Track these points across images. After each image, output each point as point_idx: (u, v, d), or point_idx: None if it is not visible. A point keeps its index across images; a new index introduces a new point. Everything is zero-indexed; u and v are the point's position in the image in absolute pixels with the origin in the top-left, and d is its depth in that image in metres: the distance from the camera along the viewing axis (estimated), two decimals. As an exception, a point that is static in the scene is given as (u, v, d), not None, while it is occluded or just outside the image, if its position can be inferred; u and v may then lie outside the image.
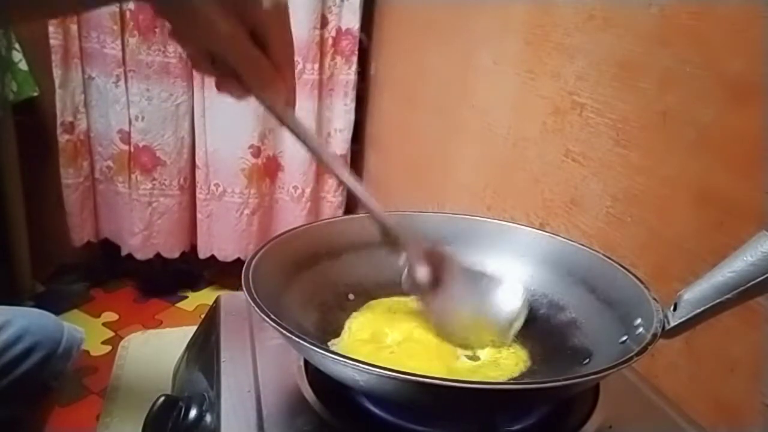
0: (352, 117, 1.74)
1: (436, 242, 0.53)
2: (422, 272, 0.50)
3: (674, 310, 0.42)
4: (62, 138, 1.58)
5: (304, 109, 1.67)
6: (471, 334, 0.51)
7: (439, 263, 0.51)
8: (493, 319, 0.52)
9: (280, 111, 0.45)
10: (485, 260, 0.59)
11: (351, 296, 0.56)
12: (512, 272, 0.58)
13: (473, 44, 1.15)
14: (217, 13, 0.39)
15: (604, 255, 0.53)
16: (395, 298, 0.56)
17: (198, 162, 1.67)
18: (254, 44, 0.41)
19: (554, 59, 0.88)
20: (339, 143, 1.76)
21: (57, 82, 1.52)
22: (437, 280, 0.50)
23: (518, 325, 0.53)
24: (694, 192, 0.63)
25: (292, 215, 1.77)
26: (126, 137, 1.62)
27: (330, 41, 1.66)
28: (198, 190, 1.70)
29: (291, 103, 0.45)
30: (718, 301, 0.40)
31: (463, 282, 0.52)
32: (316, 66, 1.65)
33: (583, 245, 0.56)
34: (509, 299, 0.53)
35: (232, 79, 0.43)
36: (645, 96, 0.70)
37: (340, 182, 0.51)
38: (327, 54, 1.67)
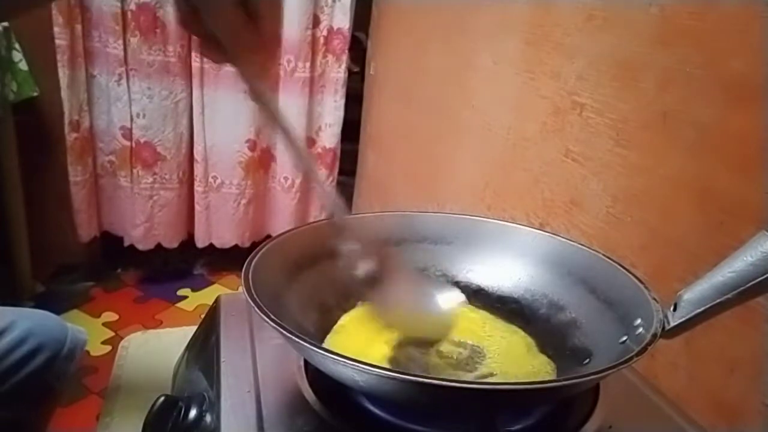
0: (341, 113, 1.80)
1: (385, 242, 0.52)
2: (368, 268, 0.49)
3: (674, 310, 0.42)
4: (70, 136, 1.59)
5: (296, 105, 1.73)
6: (406, 331, 0.50)
7: (384, 263, 0.50)
8: (427, 319, 0.51)
9: (256, 84, 0.44)
10: (485, 260, 0.59)
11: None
12: (512, 272, 0.58)
13: (473, 44, 1.14)
14: None
15: (604, 255, 0.53)
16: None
17: (197, 156, 1.72)
18: (243, 11, 0.40)
19: (554, 59, 0.88)
20: (329, 137, 1.83)
21: (65, 82, 1.53)
22: (380, 278, 0.49)
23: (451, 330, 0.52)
24: (695, 192, 0.63)
25: (282, 204, 1.85)
26: (128, 133, 1.65)
27: (321, 40, 1.71)
28: (196, 183, 1.75)
29: (263, 76, 0.45)
30: (718, 301, 0.40)
31: (404, 282, 0.51)
32: (308, 64, 1.70)
33: (583, 245, 0.56)
34: (446, 304, 0.52)
35: (215, 44, 0.42)
36: (645, 96, 0.70)
37: (302, 167, 0.51)
38: (318, 52, 1.72)
